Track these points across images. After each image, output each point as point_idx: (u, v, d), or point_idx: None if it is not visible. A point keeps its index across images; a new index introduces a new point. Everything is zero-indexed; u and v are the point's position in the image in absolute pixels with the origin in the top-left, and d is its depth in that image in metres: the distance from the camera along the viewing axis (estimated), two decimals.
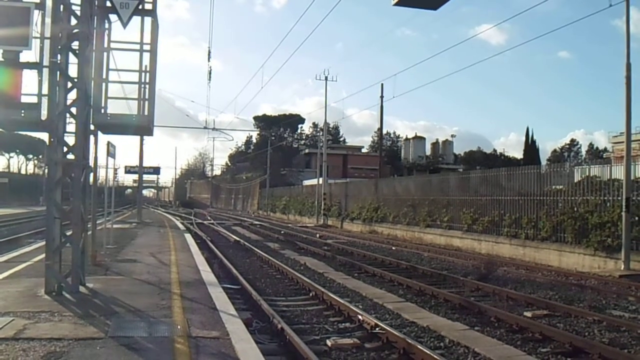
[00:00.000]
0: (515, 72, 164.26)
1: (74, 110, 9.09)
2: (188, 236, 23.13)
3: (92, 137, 9.97)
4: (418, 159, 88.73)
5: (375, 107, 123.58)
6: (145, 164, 40.05)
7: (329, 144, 61.22)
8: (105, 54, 10.02)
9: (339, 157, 79.76)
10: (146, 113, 9.86)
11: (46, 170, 10.10)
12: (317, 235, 30.48)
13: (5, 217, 37.07)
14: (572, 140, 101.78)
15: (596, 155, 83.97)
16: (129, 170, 41.44)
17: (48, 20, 8.94)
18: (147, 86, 9.85)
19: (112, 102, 10.19)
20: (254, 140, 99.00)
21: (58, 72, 8.88)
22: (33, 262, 12.55)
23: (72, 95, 9.10)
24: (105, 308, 7.97)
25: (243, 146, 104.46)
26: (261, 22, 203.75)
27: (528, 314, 10.19)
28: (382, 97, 43.27)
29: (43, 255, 9.56)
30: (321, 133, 61.92)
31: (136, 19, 9.65)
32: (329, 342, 7.88)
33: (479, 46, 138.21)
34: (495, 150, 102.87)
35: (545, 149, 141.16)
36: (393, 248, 23.64)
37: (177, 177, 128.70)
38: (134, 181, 52.10)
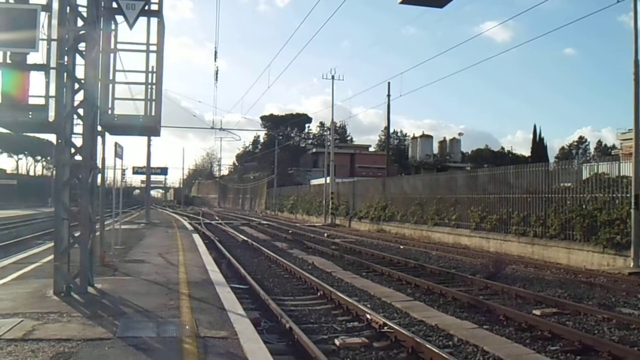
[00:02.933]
0: (521, 70, 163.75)
1: (81, 111, 9.13)
2: (196, 236, 23.17)
3: (99, 138, 9.99)
4: (425, 158, 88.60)
5: (381, 106, 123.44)
6: (152, 165, 40.15)
7: (336, 143, 61.16)
8: (111, 55, 10.04)
9: (346, 156, 79.71)
10: (153, 113, 9.87)
11: (54, 172, 10.13)
12: (325, 235, 30.47)
13: (13, 218, 37.29)
14: (580, 138, 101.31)
15: (604, 152, 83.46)
16: (136, 170, 41.54)
17: (55, 22, 8.98)
18: (153, 87, 9.86)
19: (119, 103, 10.23)
20: (261, 140, 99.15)
21: (65, 74, 8.91)
22: (42, 263, 12.61)
23: (79, 97, 9.14)
24: (113, 308, 7.99)
25: (250, 146, 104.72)
26: (265, 20, 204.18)
27: (537, 312, 10.14)
28: (389, 95, 43.33)
29: (51, 257, 9.60)
30: (328, 132, 61.92)
31: (142, 20, 9.67)
32: (337, 341, 7.87)
33: (484, 44, 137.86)
34: (503, 148, 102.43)
35: (553, 146, 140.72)
36: (401, 247, 23.60)
37: (185, 177, 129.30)
38: (142, 182, 52.26)
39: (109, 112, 9.91)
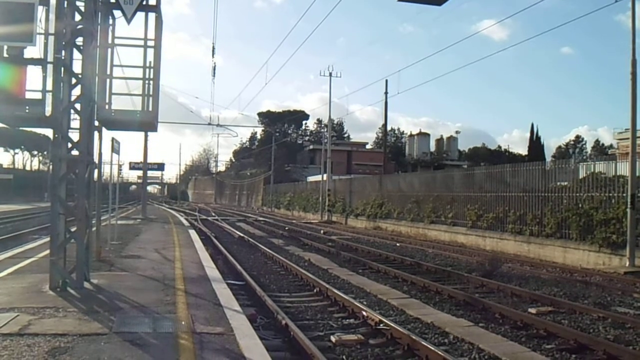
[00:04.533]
0: (518, 68, 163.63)
1: (78, 106, 9.12)
2: (192, 232, 23.17)
3: (96, 133, 9.97)
4: (422, 155, 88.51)
5: (378, 104, 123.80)
6: (149, 160, 40.11)
7: (333, 140, 61.05)
8: (109, 50, 10.02)
9: (343, 153, 79.63)
10: (150, 109, 9.86)
11: (51, 167, 10.11)
12: (322, 232, 30.47)
13: (10, 213, 37.21)
14: (577, 137, 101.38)
15: (601, 151, 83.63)
16: (133, 166, 41.51)
17: (52, 16, 8.96)
18: (151, 82, 9.85)
19: (116, 98, 10.24)
20: (259, 137, 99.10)
21: (62, 68, 8.89)
22: (38, 258, 12.59)
23: (77, 92, 9.13)
24: (109, 304, 7.98)
25: (247, 142, 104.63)
26: (262, 17, 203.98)
27: (533, 310, 10.17)
28: (386, 93, 43.30)
29: (47, 251, 9.58)
30: (325, 129, 61.91)
31: (140, 15, 9.66)
32: (333, 338, 7.88)
33: (482, 42, 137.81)
34: (499, 147, 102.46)
35: (549, 145, 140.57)
36: (397, 244, 23.61)
37: (181, 173, 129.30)
38: (139, 177, 52.22)
39: (106, 107, 9.89)
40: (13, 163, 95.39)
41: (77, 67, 9.11)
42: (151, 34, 9.84)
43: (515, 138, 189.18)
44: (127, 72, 10.61)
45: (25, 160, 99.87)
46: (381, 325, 8.40)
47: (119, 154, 15.69)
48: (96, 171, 10.70)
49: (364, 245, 22.10)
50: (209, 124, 49.27)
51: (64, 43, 8.91)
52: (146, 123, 10.46)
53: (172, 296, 8.68)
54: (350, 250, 20.59)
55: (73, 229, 9.30)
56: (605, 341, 7.95)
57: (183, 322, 6.95)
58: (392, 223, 32.29)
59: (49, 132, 9.76)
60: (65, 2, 8.92)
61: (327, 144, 47.35)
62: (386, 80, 43.84)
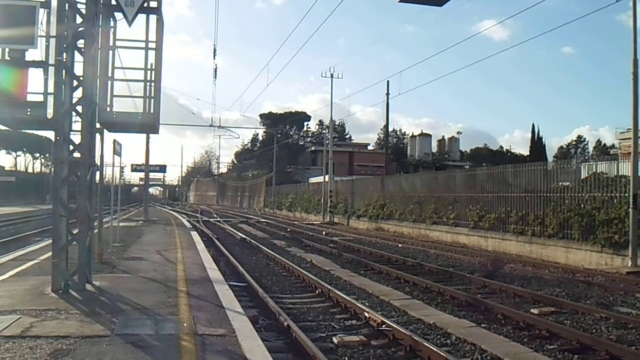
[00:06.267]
0: (519, 68, 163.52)
1: (79, 108, 9.13)
2: (194, 234, 23.17)
3: (98, 135, 9.98)
4: (424, 156, 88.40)
5: (379, 105, 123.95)
6: (151, 162, 40.10)
7: (335, 142, 61.04)
8: (110, 52, 10.02)
9: (345, 154, 79.59)
10: (152, 111, 9.87)
11: (52, 169, 10.12)
12: (324, 233, 30.48)
13: (12, 215, 37.25)
14: (579, 137, 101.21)
15: (603, 151, 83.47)
16: (135, 168, 41.50)
17: (53, 19, 8.98)
18: (152, 84, 9.86)
19: (117, 100, 10.24)
20: (260, 138, 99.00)
21: (64, 71, 8.90)
22: (40, 260, 12.60)
23: (78, 94, 9.14)
24: (111, 306, 7.99)
25: (249, 144, 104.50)
26: (262, 18, 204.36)
27: (535, 311, 10.15)
28: (387, 94, 43.35)
29: (50, 254, 9.59)
30: (327, 130, 61.92)
31: (141, 17, 9.67)
32: (335, 340, 7.87)
33: (483, 42, 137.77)
34: (501, 147, 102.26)
35: (551, 145, 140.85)
36: (399, 245, 23.60)
37: (183, 175, 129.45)
38: (141, 179, 52.26)
39: (108, 109, 9.89)
40: (15, 165, 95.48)
41: (78, 69, 9.14)
42: (152, 36, 9.86)
43: (517, 138, 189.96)
44: (129, 74, 10.62)
45: (27, 162, 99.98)
46: (383, 326, 8.39)
47: (121, 156, 15.71)
48: (98, 173, 10.71)
49: (365, 247, 22.09)
50: (211, 125, 49.38)
51: (65, 45, 8.93)
52: (147, 125, 10.46)
53: (174, 298, 8.68)
54: (352, 251, 20.59)
55: (75, 231, 9.33)
56: (607, 341, 7.94)
57: (185, 324, 6.95)
58: (394, 224, 32.28)
59: (50, 135, 9.76)
60: (67, 5, 8.94)
61: (329, 145, 47.34)
62: (387, 81, 44.06)
